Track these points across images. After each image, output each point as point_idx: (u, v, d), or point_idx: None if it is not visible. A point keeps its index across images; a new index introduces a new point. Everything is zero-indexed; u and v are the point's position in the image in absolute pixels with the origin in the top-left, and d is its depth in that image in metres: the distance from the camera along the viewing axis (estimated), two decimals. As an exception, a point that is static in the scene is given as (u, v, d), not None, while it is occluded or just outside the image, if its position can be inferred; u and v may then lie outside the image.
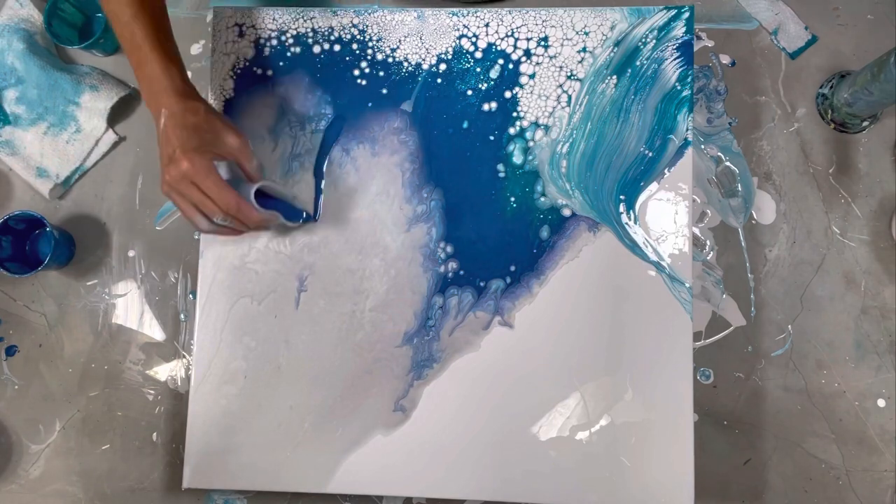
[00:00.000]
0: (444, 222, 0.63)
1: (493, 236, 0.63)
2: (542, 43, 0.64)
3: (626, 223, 0.62)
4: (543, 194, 0.63)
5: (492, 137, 0.64)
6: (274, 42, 0.67)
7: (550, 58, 0.64)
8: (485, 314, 0.62)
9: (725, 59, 0.70)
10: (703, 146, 0.68)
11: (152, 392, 0.70)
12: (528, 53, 0.65)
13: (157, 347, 0.70)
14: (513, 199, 0.63)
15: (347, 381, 0.62)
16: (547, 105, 0.64)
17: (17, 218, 0.68)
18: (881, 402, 0.65)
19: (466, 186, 0.64)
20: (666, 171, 0.62)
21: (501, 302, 0.62)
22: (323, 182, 0.65)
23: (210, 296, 0.64)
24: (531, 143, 0.64)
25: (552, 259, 0.62)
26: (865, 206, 0.67)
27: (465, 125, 0.65)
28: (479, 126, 0.64)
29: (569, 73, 0.64)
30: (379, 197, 0.64)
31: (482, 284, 0.62)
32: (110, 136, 0.73)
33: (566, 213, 0.63)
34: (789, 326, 0.66)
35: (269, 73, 0.67)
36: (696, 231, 0.67)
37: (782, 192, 0.68)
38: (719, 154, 0.68)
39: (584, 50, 0.64)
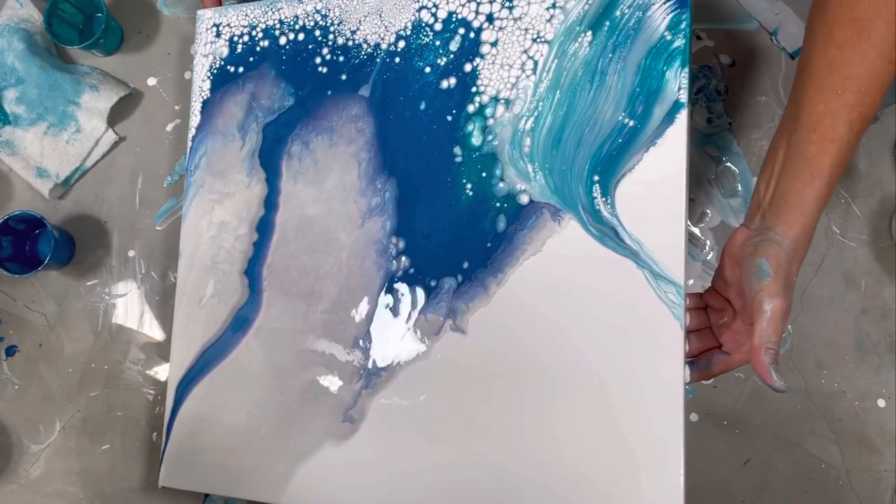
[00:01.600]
0: (396, 215, 0.57)
1: (447, 229, 0.55)
2: (507, 3, 0.55)
3: (599, 208, 0.50)
4: (502, 179, 0.54)
5: (449, 118, 0.56)
6: (245, 38, 0.65)
7: (515, 20, 0.55)
8: (436, 317, 0.54)
9: (725, 59, 0.70)
10: (703, 146, 0.68)
11: (152, 392, 0.70)
12: (490, 18, 0.56)
13: (157, 347, 0.70)
14: (469, 186, 0.55)
15: (299, 386, 0.58)
16: (510, 75, 0.55)
17: (17, 218, 0.68)
18: (881, 402, 0.65)
19: (421, 174, 0.57)
20: (653, 142, 0.50)
21: (454, 303, 0.54)
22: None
23: (184, 296, 0.64)
24: (491, 121, 0.55)
25: (511, 254, 0.53)
26: (865, 206, 0.67)
27: (423, 106, 0.57)
28: (437, 106, 0.57)
29: (535, 36, 0.54)
30: (335, 191, 0.59)
31: (433, 284, 0.55)
32: (110, 136, 0.73)
33: (523, 199, 0.53)
34: (789, 326, 0.66)
35: (241, 69, 0.65)
36: (696, 231, 0.67)
37: (782, 192, 0.68)
38: (719, 154, 0.68)
39: (553, 6, 0.54)
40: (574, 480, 0.50)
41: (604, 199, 0.51)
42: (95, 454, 0.69)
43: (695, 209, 0.68)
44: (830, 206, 0.67)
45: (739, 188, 0.68)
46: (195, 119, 0.65)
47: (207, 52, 0.66)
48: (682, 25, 0.51)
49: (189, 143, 0.65)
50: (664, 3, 0.51)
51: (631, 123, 0.51)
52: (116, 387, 0.70)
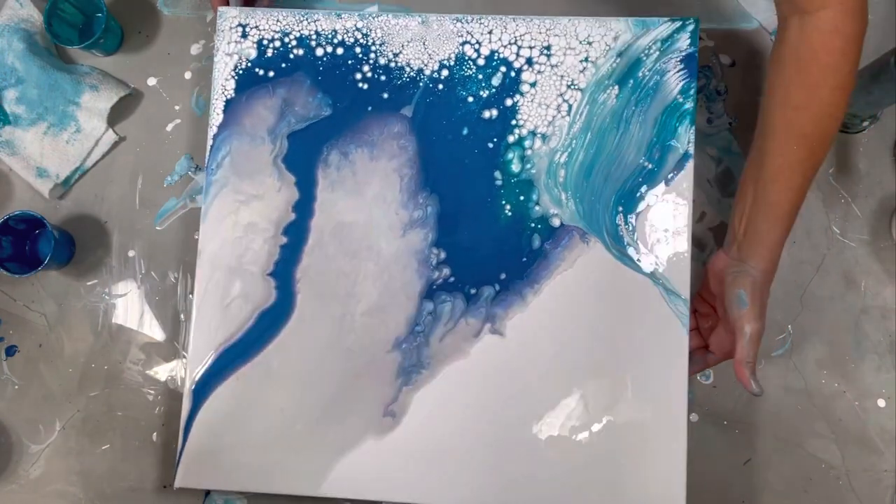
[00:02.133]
0: (438, 228, 0.63)
1: (487, 244, 0.62)
2: (545, 51, 0.64)
3: (622, 234, 0.61)
4: (538, 203, 0.62)
5: (490, 145, 0.64)
6: (277, 43, 0.67)
7: (552, 66, 0.64)
8: (476, 321, 0.61)
9: (725, 60, 0.70)
10: (703, 146, 0.68)
11: (152, 392, 0.70)
12: (529, 62, 0.64)
13: (157, 347, 0.70)
14: (508, 206, 0.63)
15: (338, 384, 0.62)
16: (547, 114, 0.63)
17: (17, 218, 0.68)
18: (881, 402, 0.65)
19: (463, 193, 0.63)
20: (665, 183, 0.61)
21: (493, 309, 0.61)
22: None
23: (206, 295, 0.64)
24: (529, 152, 0.63)
25: (546, 268, 0.61)
26: (865, 206, 0.67)
27: (465, 132, 0.64)
28: (479, 133, 0.64)
29: (570, 83, 0.63)
30: (375, 201, 0.64)
31: (473, 292, 0.62)
32: (110, 136, 0.73)
33: (555, 222, 0.62)
34: (789, 326, 0.66)
35: (271, 74, 0.66)
36: (697, 231, 0.67)
37: (782, 192, 0.68)
38: (719, 154, 0.68)
39: (586, 60, 0.63)
40: (582, 475, 0.59)
41: (626, 226, 0.61)
42: (95, 454, 0.69)
43: (695, 209, 0.68)
44: (830, 205, 0.67)
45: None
46: (217, 118, 0.66)
47: (232, 52, 0.67)
48: (692, 91, 0.62)
49: (210, 142, 0.65)
50: (678, 71, 0.62)
51: (649, 166, 0.62)
52: (116, 387, 0.70)
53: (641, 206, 0.61)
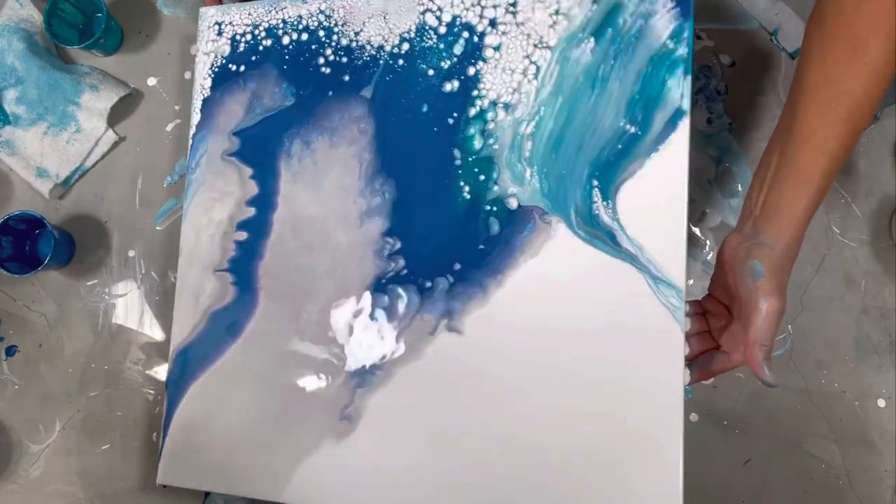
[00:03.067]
0: (393, 216, 0.57)
1: (443, 231, 0.56)
2: (511, 8, 0.56)
3: (599, 213, 0.51)
4: (496, 182, 0.55)
5: (451, 121, 0.57)
6: (248, 37, 0.65)
7: (518, 25, 0.55)
8: (432, 317, 0.55)
9: (725, 59, 0.70)
10: (703, 146, 0.68)
11: (152, 392, 0.70)
12: (493, 23, 0.56)
13: (157, 347, 0.70)
14: (466, 188, 0.55)
15: (297, 386, 0.58)
16: (512, 80, 0.55)
17: (17, 218, 0.68)
18: (881, 402, 0.65)
19: (420, 176, 0.57)
20: (655, 148, 0.51)
21: (451, 304, 0.54)
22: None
23: (183, 294, 0.63)
24: (492, 125, 0.55)
25: (510, 256, 0.53)
26: (865, 206, 0.67)
27: (425, 109, 0.58)
28: (439, 109, 0.57)
29: (538, 41, 0.55)
30: (335, 191, 0.59)
31: (428, 285, 0.55)
32: (110, 136, 0.73)
33: (512, 203, 0.54)
34: (789, 326, 0.66)
35: (242, 68, 0.65)
36: (696, 231, 0.67)
37: (782, 192, 0.68)
38: (719, 154, 0.68)
39: (557, 13, 0.55)
40: (571, 479, 0.50)
41: (604, 203, 0.52)
42: (95, 454, 0.69)
43: (695, 209, 0.68)
44: (830, 206, 0.67)
45: (739, 188, 0.68)
46: (196, 117, 0.65)
47: (209, 51, 0.66)
48: (685, 34, 0.52)
49: (190, 141, 0.65)
50: (667, 11, 0.52)
51: (632, 130, 0.52)
52: (116, 387, 0.70)
53: (623, 178, 0.51)
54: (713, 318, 0.53)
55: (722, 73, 0.69)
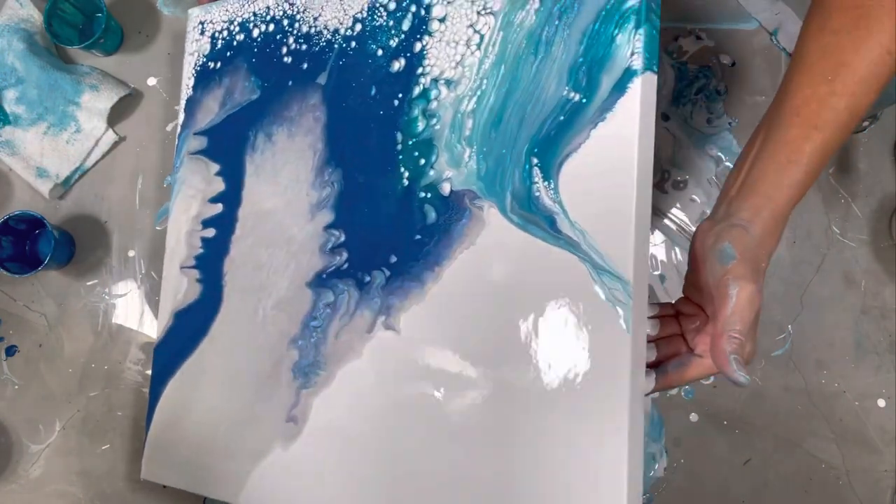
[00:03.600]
0: (337, 207, 0.54)
1: (381, 221, 0.52)
2: None
3: (540, 194, 0.45)
4: (432, 166, 0.50)
5: (396, 102, 0.52)
6: (225, 33, 0.64)
7: None
8: (370, 314, 0.51)
9: (725, 59, 0.70)
10: (703, 146, 0.68)
11: (152, 392, 0.70)
12: None
13: (157, 347, 0.71)
14: (406, 175, 0.51)
15: (253, 385, 0.57)
16: (456, 52, 0.50)
17: (17, 218, 0.68)
18: (881, 402, 0.65)
19: (364, 164, 0.53)
20: (601, 117, 0.43)
21: (388, 300, 0.50)
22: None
23: (167, 291, 0.64)
24: (435, 104, 0.50)
25: (448, 246, 0.48)
26: (865, 206, 0.67)
27: (373, 91, 0.54)
28: (386, 91, 0.53)
29: (482, 7, 0.49)
30: (291, 183, 0.57)
31: (367, 279, 0.52)
32: (110, 136, 0.73)
33: (444, 189, 0.49)
34: (789, 326, 0.66)
35: (219, 65, 0.64)
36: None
37: (782, 192, 0.68)
38: (719, 154, 0.68)
39: None
40: (513, 477, 0.45)
41: (546, 183, 0.45)
42: (95, 454, 0.69)
43: (695, 209, 0.68)
44: (830, 205, 0.67)
45: (739, 188, 0.68)
46: (181, 117, 0.65)
47: (193, 51, 0.66)
48: None
49: (176, 141, 0.65)
50: None
51: (576, 98, 0.44)
52: (116, 387, 0.70)
53: (566, 153, 0.44)
54: (686, 320, 0.45)
55: (722, 73, 0.69)
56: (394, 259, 0.51)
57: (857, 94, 0.39)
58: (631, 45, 0.42)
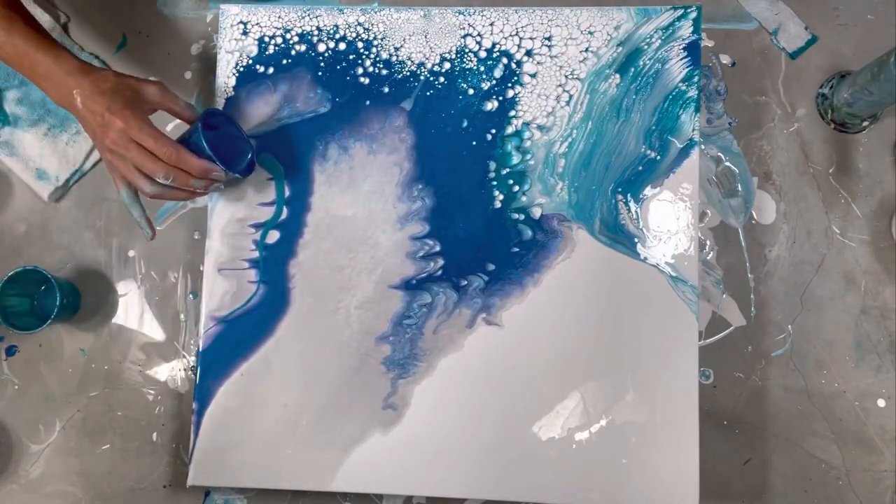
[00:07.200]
0: (432, 220, 0.64)
1: (477, 234, 0.63)
2: (546, 42, 0.65)
3: (624, 223, 0.62)
4: (524, 193, 0.63)
5: (489, 136, 0.64)
6: (279, 40, 0.67)
7: (553, 57, 0.64)
8: (469, 312, 0.62)
9: (725, 59, 0.70)
10: (703, 146, 0.68)
11: (152, 392, 0.70)
12: (530, 53, 0.65)
13: (157, 347, 0.71)
14: (500, 197, 0.63)
15: (338, 378, 0.62)
16: (547, 104, 0.64)
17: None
18: (881, 402, 0.65)
19: (458, 185, 0.64)
20: (671, 171, 0.62)
21: (489, 300, 0.62)
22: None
23: (211, 293, 0.64)
24: (528, 143, 0.64)
25: (546, 258, 0.62)
26: (865, 206, 0.67)
27: (465, 124, 0.65)
28: (478, 125, 0.64)
29: (570, 73, 0.64)
30: (373, 195, 0.64)
31: (464, 283, 0.62)
32: (110, 137, 0.73)
33: (535, 213, 0.62)
34: (789, 326, 0.66)
35: (271, 70, 0.67)
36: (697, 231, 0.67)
37: (782, 192, 0.68)
38: (719, 154, 0.68)
39: (587, 50, 0.64)
40: (596, 459, 0.59)
41: (630, 214, 0.62)
42: (95, 454, 0.69)
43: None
44: (830, 206, 0.67)
45: (739, 188, 0.68)
46: None
47: (233, 49, 0.67)
48: (695, 79, 0.63)
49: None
50: (681, 59, 0.63)
51: (651, 155, 0.62)
52: (116, 387, 0.70)
53: (645, 195, 0.62)
54: None
55: (722, 73, 0.69)
56: (491, 267, 0.63)
57: None
58: (692, 123, 0.62)
